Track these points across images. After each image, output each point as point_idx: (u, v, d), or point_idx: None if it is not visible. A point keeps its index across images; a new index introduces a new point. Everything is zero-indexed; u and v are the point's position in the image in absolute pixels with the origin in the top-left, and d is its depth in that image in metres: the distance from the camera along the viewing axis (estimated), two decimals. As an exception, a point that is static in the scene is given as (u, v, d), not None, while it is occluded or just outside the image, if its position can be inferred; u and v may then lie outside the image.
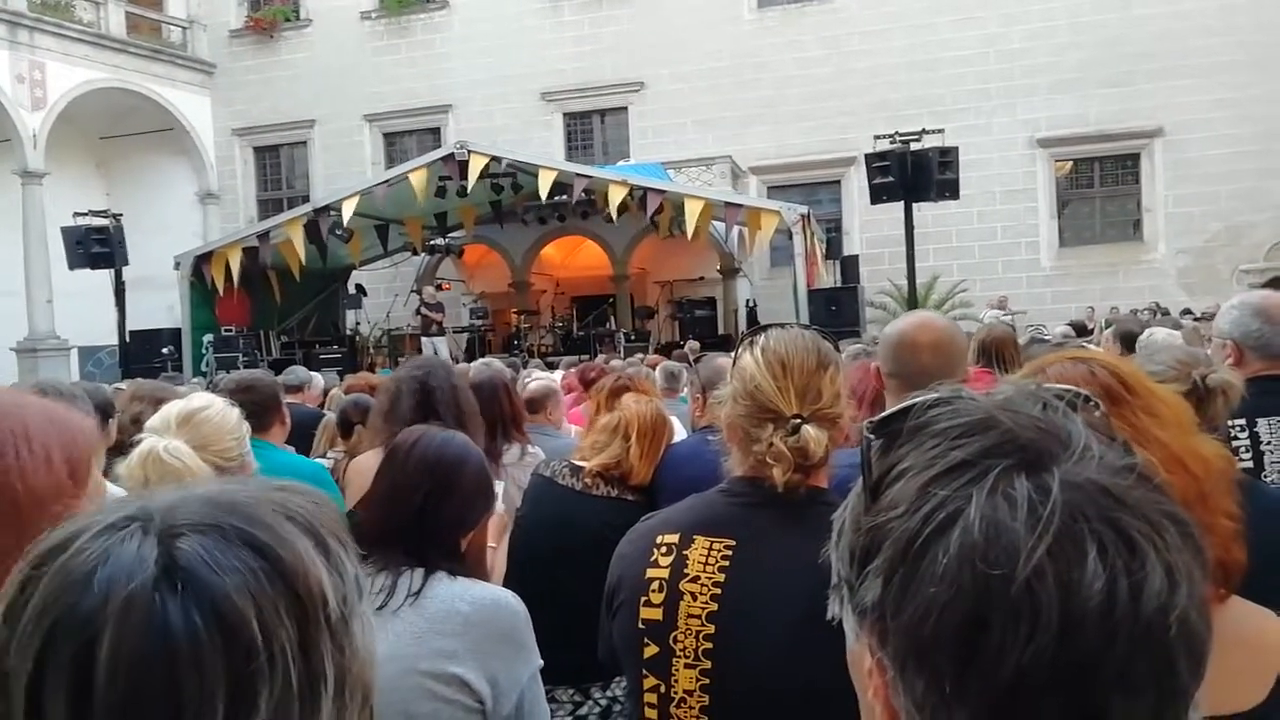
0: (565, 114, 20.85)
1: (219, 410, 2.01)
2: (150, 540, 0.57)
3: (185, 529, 0.58)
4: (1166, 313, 11.73)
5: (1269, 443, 2.61)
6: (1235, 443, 2.57)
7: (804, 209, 13.91)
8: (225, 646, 0.55)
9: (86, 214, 15.17)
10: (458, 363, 7.94)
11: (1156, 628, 0.50)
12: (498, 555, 2.84)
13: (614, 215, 14.13)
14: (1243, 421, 2.59)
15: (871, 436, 0.61)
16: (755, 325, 1.66)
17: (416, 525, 1.84)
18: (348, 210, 14.41)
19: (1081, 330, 10.49)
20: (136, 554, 0.56)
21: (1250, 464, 2.59)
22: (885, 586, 0.55)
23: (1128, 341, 4.98)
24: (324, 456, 4.12)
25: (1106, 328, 6.53)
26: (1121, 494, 0.53)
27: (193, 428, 1.93)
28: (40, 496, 1.01)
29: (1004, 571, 0.51)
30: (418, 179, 14.25)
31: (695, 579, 1.57)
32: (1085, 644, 0.50)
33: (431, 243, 17.92)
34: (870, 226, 18.27)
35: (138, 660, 0.54)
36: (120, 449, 2.30)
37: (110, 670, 0.53)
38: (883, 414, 0.62)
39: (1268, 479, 2.57)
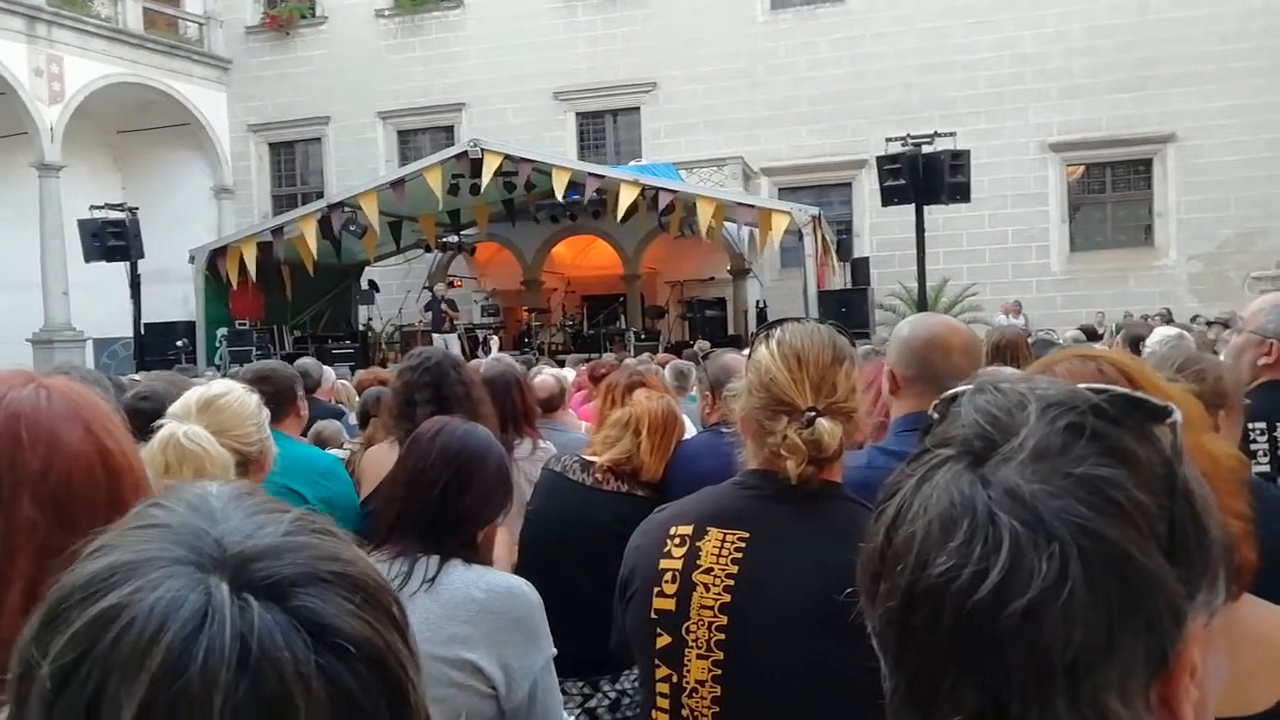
0: (578, 114, 20.85)
1: (238, 396, 2.04)
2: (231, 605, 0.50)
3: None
4: (1170, 320, 11.68)
5: (1290, 445, 2.57)
6: (1254, 446, 2.53)
7: (815, 210, 13.91)
8: None
9: (102, 207, 15.29)
10: (468, 359, 7.96)
11: (980, 618, 0.54)
12: (504, 546, 2.85)
13: (621, 215, 14.18)
14: (1263, 425, 2.55)
15: (934, 415, 0.66)
16: (767, 323, 1.66)
17: (434, 514, 1.86)
18: (368, 209, 14.49)
19: (1092, 335, 10.44)
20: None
21: (1267, 468, 2.55)
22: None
23: (1136, 345, 4.98)
24: (340, 448, 4.14)
25: (1117, 333, 6.51)
26: (1029, 497, 0.55)
27: (213, 414, 1.96)
28: (136, 481, 1.02)
29: (893, 542, 0.59)
30: (433, 177, 14.31)
31: (708, 570, 1.58)
32: (921, 615, 0.56)
33: (445, 240, 17.97)
34: (881, 229, 18.22)
35: None
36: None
37: None
38: (946, 394, 0.66)
39: None
